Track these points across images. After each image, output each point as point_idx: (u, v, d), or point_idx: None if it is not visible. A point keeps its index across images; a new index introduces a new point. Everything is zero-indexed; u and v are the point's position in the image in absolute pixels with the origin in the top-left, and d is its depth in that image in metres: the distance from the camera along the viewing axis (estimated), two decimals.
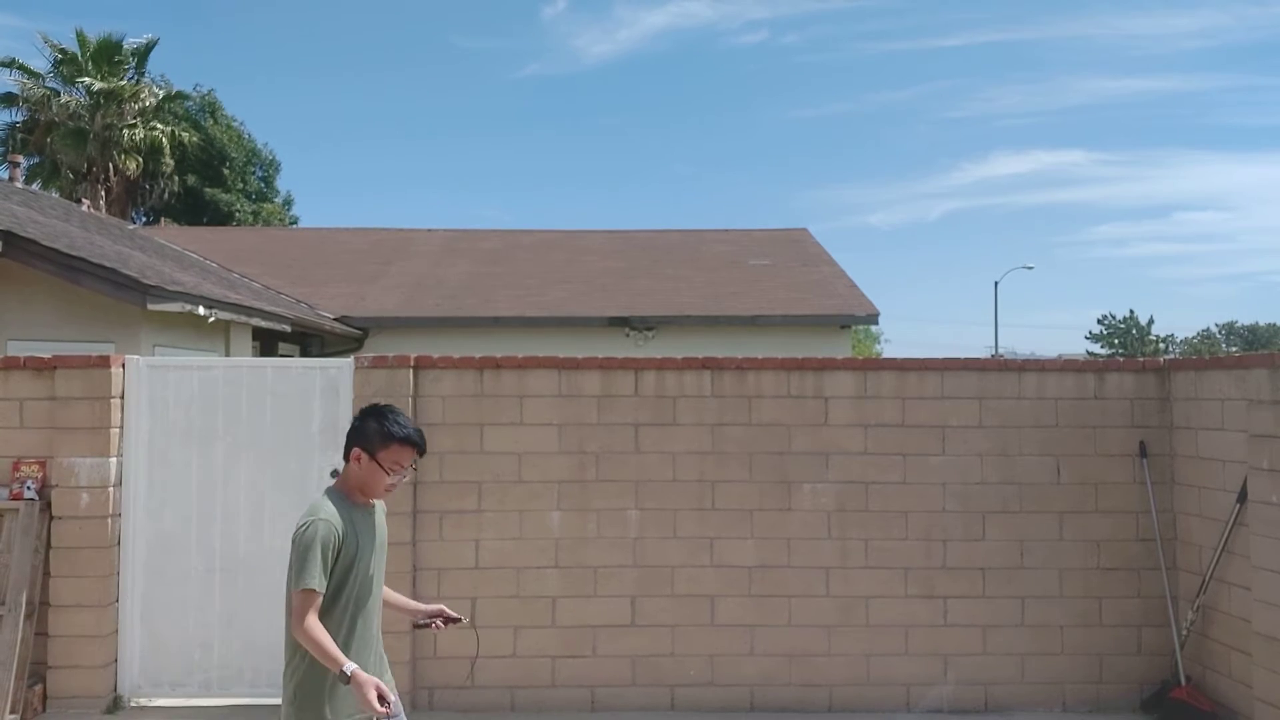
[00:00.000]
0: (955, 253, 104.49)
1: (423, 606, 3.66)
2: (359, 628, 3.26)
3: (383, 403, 3.39)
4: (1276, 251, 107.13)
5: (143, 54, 29.68)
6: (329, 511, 3.19)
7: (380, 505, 3.47)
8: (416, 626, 3.64)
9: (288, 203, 36.50)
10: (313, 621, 3.08)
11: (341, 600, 3.21)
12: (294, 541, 3.16)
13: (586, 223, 51.79)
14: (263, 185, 35.17)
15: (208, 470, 6.07)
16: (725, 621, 6.02)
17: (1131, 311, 65.11)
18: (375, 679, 3.02)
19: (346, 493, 3.31)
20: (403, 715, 3.15)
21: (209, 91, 33.19)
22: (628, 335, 15.47)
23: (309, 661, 3.15)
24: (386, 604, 3.54)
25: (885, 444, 6.11)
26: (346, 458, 3.31)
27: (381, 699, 2.96)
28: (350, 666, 3.01)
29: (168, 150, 28.90)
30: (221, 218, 31.25)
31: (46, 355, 6.02)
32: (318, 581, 3.09)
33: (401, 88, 78.84)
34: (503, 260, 19.36)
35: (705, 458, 6.09)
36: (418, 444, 3.28)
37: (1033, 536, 6.08)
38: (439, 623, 3.57)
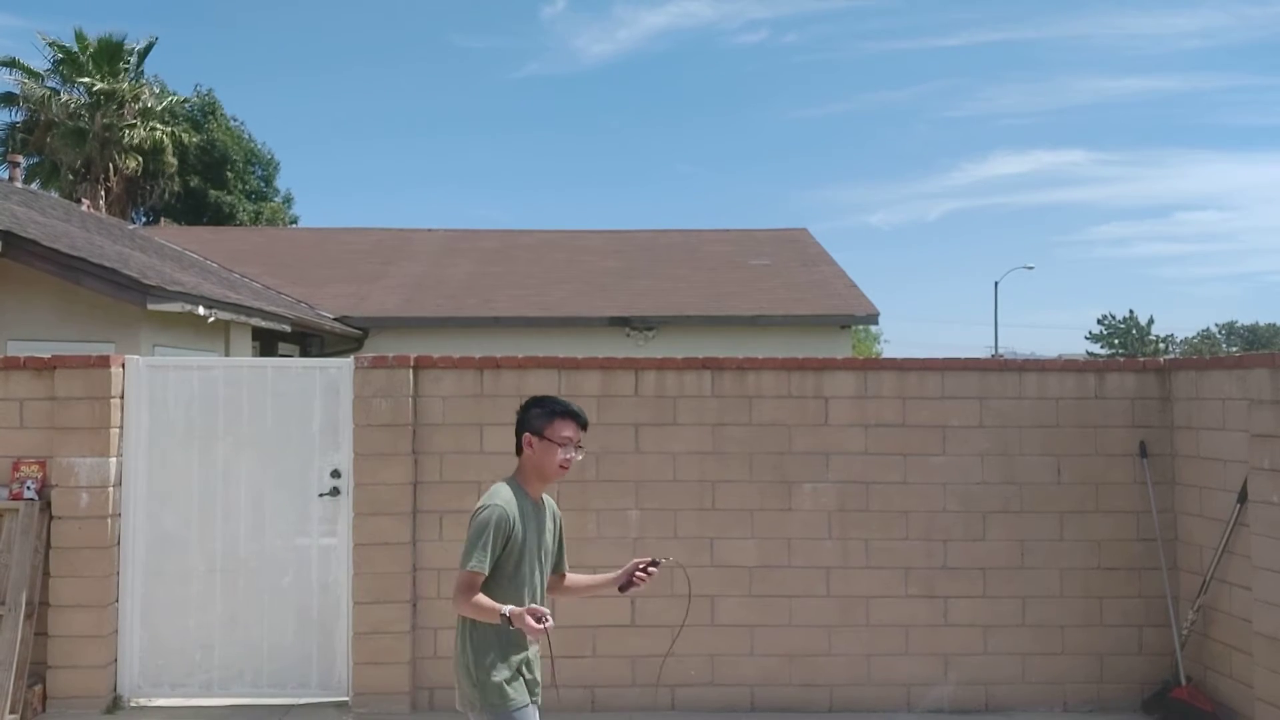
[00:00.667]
0: (955, 253, 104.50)
1: (615, 574, 3.65)
2: (523, 594, 3.39)
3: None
4: (1277, 251, 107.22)
5: (141, 54, 29.70)
6: (505, 498, 3.36)
7: (550, 506, 3.58)
8: (623, 590, 3.59)
9: (288, 201, 36.50)
10: (471, 597, 3.26)
11: (504, 580, 3.34)
12: (470, 522, 3.34)
13: (586, 223, 51.84)
14: (262, 184, 35.19)
15: (208, 470, 6.07)
16: (725, 621, 6.02)
17: (1131, 311, 65.18)
18: (525, 608, 3.15)
19: (522, 483, 3.47)
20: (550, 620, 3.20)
21: (209, 91, 33.23)
22: (628, 335, 15.46)
23: (473, 623, 3.35)
24: (585, 589, 3.71)
25: (885, 444, 6.11)
26: (519, 451, 3.49)
27: (538, 619, 3.09)
28: (506, 609, 3.17)
29: (169, 150, 28.91)
30: (222, 218, 31.25)
31: (46, 355, 6.01)
32: (481, 563, 3.26)
33: (401, 87, 78.84)
34: (503, 260, 19.36)
35: (705, 458, 6.09)
36: (577, 415, 3.47)
37: (1033, 536, 6.08)
38: (640, 574, 3.54)
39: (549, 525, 3.54)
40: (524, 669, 3.45)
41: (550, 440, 3.41)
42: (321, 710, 5.93)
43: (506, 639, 3.35)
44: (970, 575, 6.07)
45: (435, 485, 6.02)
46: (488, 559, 3.26)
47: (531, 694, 3.48)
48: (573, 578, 3.71)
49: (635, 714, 5.94)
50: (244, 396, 6.09)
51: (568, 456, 3.43)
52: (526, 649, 3.44)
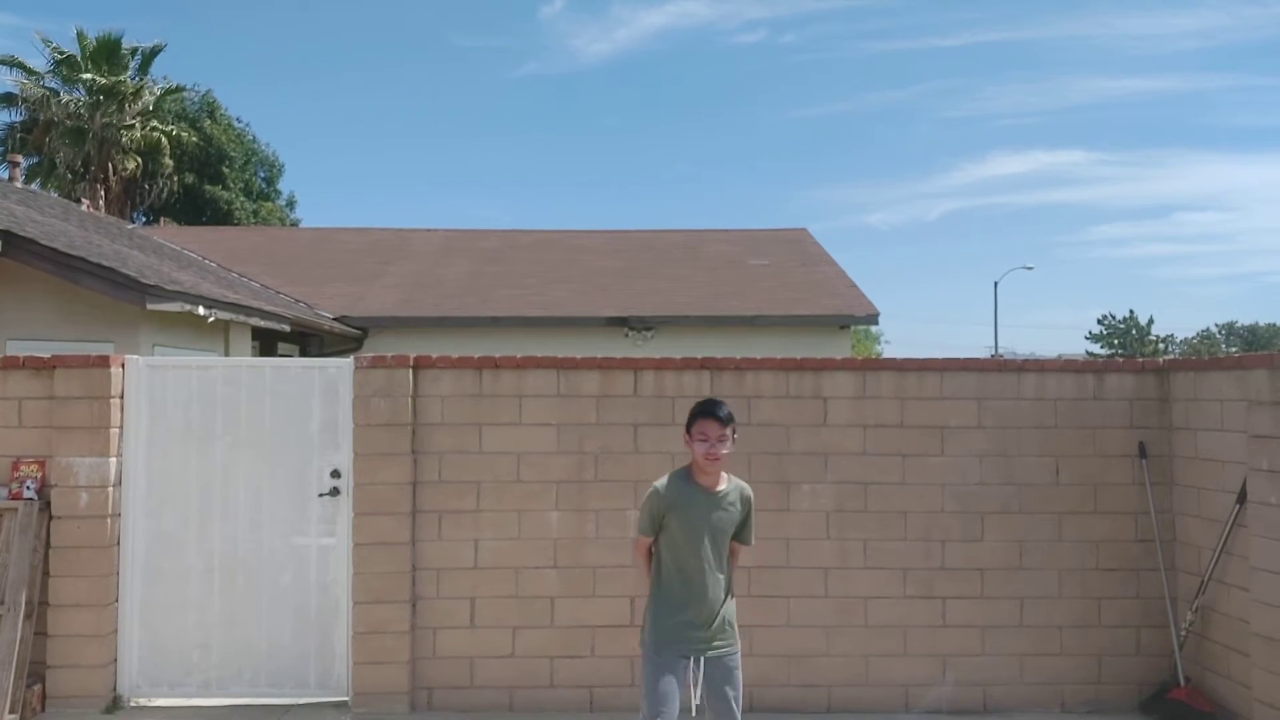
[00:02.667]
0: (955, 253, 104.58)
1: None
2: (678, 580, 4.04)
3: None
4: (1276, 251, 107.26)
5: (148, 57, 29.66)
6: (660, 482, 4.10)
7: (734, 490, 4.14)
8: None
9: (290, 203, 36.50)
10: (639, 559, 4.23)
11: (663, 548, 4.07)
12: None
13: (585, 222, 51.78)
14: (264, 185, 35.18)
15: (207, 470, 6.07)
16: None
17: (1131, 311, 65.24)
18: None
19: (691, 472, 4.11)
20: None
21: (207, 91, 33.21)
22: (627, 335, 15.47)
23: (649, 583, 4.16)
24: None
25: (884, 444, 6.11)
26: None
27: None
28: None
29: (167, 150, 28.89)
30: (221, 217, 31.25)
31: (46, 355, 6.01)
32: (639, 530, 4.15)
33: (400, 87, 78.87)
34: (502, 260, 19.35)
35: None
36: (712, 413, 4.00)
37: (1032, 537, 6.09)
38: None
39: (726, 506, 4.08)
40: (684, 629, 3.99)
41: (693, 437, 4.02)
42: (320, 710, 5.93)
43: (665, 599, 4.04)
44: (968, 576, 6.07)
45: (434, 485, 6.02)
46: (641, 526, 4.12)
47: (689, 650, 3.99)
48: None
49: (634, 714, 5.93)
50: (243, 396, 6.09)
51: (709, 450, 3.98)
52: (685, 612, 4.00)
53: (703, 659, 3.98)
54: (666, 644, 4.00)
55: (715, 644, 4.03)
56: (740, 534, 4.19)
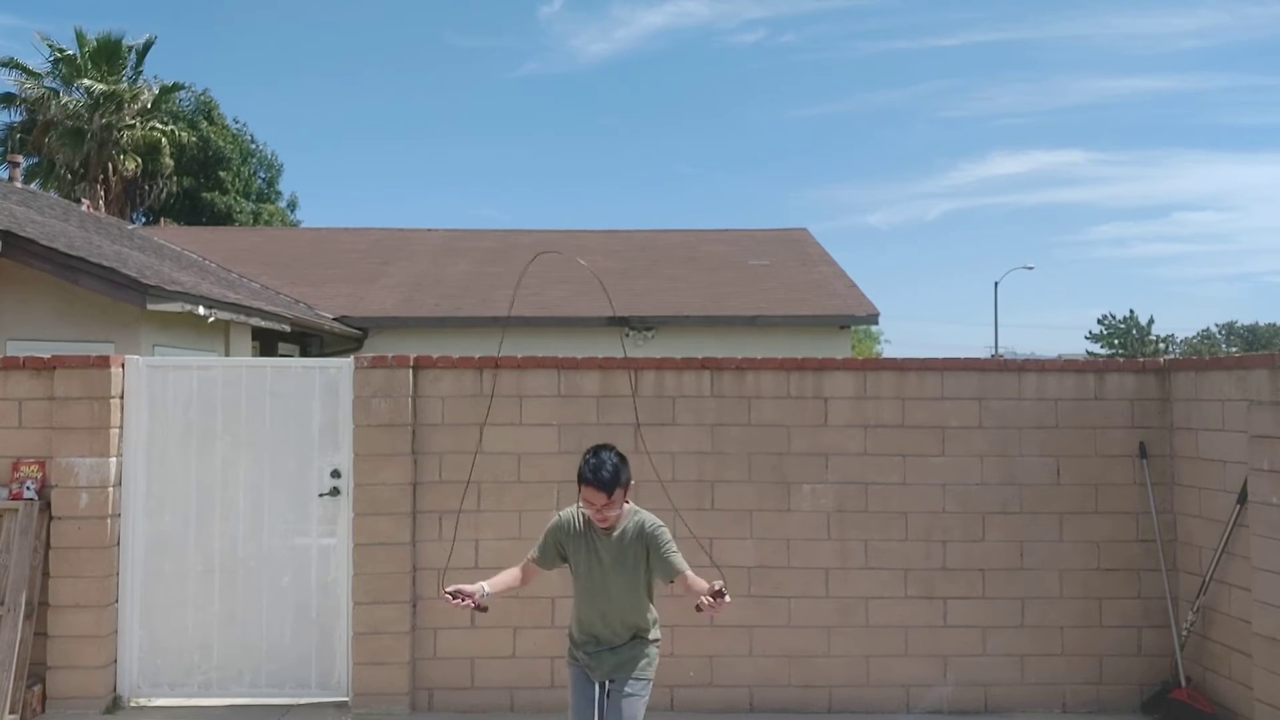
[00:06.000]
0: (955, 253, 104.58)
1: (702, 589, 3.85)
2: (585, 608, 3.94)
3: (604, 444, 3.86)
4: (1276, 251, 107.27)
5: (141, 53, 29.66)
6: (566, 512, 3.97)
7: (633, 530, 3.86)
8: (699, 610, 3.77)
9: (292, 205, 36.48)
10: (513, 568, 4.03)
11: (577, 582, 3.94)
12: None
13: (585, 223, 51.72)
14: (264, 186, 35.16)
15: (207, 470, 6.06)
16: (724, 622, 6.00)
17: (1131, 311, 65.23)
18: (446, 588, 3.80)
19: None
20: (485, 590, 3.83)
21: (204, 91, 33.20)
22: (627, 335, 15.46)
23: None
24: (693, 590, 3.83)
25: (885, 444, 6.11)
26: None
27: (454, 595, 3.75)
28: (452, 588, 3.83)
29: (166, 150, 28.89)
30: (219, 218, 31.24)
31: (46, 355, 6.01)
32: (532, 550, 4.00)
33: (399, 87, 78.86)
34: (501, 260, 19.35)
35: (704, 458, 6.09)
36: (592, 480, 3.74)
37: (1032, 537, 6.08)
38: (707, 600, 3.72)
39: (625, 549, 3.84)
40: (584, 644, 3.93)
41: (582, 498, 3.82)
42: (320, 710, 5.93)
43: (574, 620, 3.99)
44: (969, 576, 6.07)
45: (435, 485, 6.02)
46: (537, 554, 3.96)
47: (586, 660, 3.92)
48: (688, 582, 3.85)
49: None
50: (243, 396, 6.09)
51: (596, 515, 3.80)
52: (581, 627, 3.95)
53: (606, 684, 3.87)
54: (572, 657, 3.99)
55: (616, 673, 3.87)
56: (658, 569, 3.87)
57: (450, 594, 3.74)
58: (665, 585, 3.95)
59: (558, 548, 3.93)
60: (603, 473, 3.73)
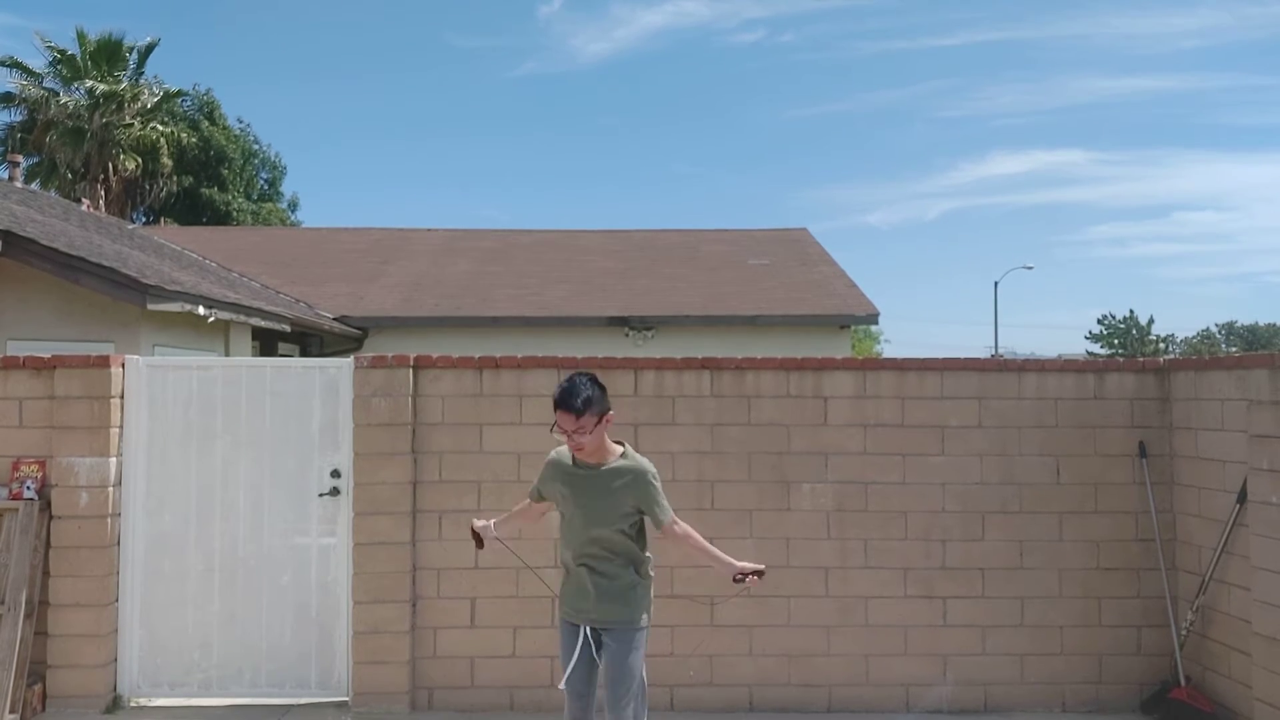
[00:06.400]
0: (955, 252, 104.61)
1: (733, 564, 4.07)
2: (568, 544, 4.00)
3: (582, 371, 3.99)
4: (1276, 251, 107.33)
5: (143, 54, 29.67)
6: (557, 450, 4.06)
7: (628, 468, 3.93)
8: (735, 580, 4.00)
9: (293, 206, 36.48)
10: (521, 505, 4.33)
11: (560, 516, 4.04)
12: None
13: (585, 222, 51.73)
14: (265, 186, 35.18)
15: (207, 470, 6.07)
16: (724, 621, 6.01)
17: (1131, 311, 65.27)
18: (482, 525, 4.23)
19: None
20: (491, 529, 4.22)
21: (207, 91, 33.22)
22: (627, 335, 15.47)
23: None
24: (697, 551, 4.04)
25: (884, 444, 6.11)
26: None
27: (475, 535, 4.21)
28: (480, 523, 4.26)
29: (166, 150, 28.89)
30: (220, 218, 31.25)
31: (46, 355, 6.01)
32: (530, 489, 4.22)
33: (398, 87, 78.88)
34: (501, 260, 19.36)
35: (704, 458, 6.09)
36: (561, 403, 3.82)
37: (1032, 537, 6.08)
38: (751, 578, 4.00)
39: (611, 483, 3.89)
40: (571, 600, 3.99)
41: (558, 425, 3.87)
42: (320, 710, 5.93)
43: (561, 560, 4.07)
44: (969, 575, 6.07)
45: (435, 485, 6.02)
46: (533, 489, 4.15)
47: (572, 613, 3.99)
48: (687, 531, 4.00)
49: None
50: (243, 396, 6.09)
51: (570, 442, 3.87)
52: (568, 589, 4.00)
53: (593, 628, 3.91)
54: (562, 610, 4.05)
55: (603, 617, 3.90)
56: (647, 512, 3.94)
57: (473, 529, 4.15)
58: (661, 538, 4.08)
59: (548, 481, 4.03)
60: (570, 395, 3.78)
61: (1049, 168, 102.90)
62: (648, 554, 4.07)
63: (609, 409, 3.90)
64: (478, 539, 4.14)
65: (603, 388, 3.88)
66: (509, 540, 4.34)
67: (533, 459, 6.04)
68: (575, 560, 3.97)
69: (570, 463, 3.96)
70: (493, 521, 4.07)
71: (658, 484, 3.94)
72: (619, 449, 3.97)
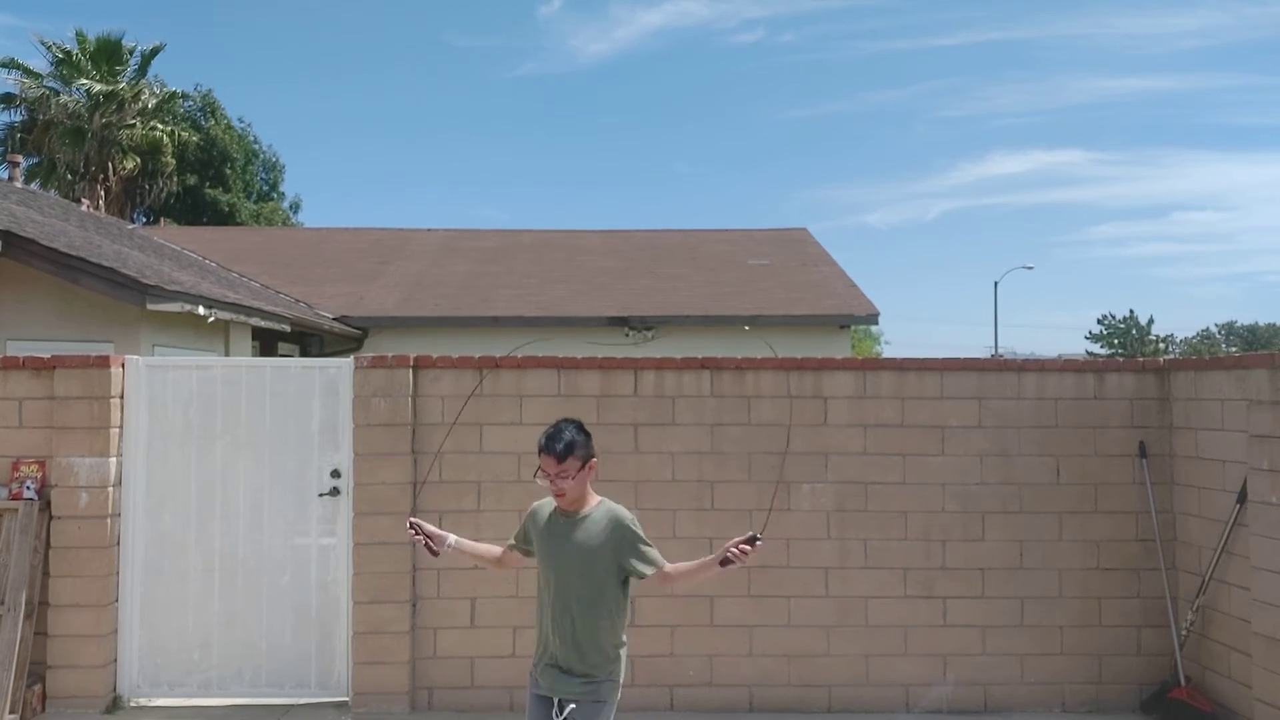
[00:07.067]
0: (954, 252, 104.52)
1: (714, 555, 3.76)
2: (545, 596, 3.73)
3: (568, 418, 3.80)
4: (1276, 251, 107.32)
5: (147, 57, 29.66)
6: (540, 501, 3.86)
7: (603, 516, 3.71)
8: (723, 565, 3.70)
9: (294, 206, 36.49)
10: (497, 546, 3.99)
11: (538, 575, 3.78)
12: None
13: (585, 222, 51.72)
14: (265, 186, 35.18)
15: (207, 470, 6.07)
16: (724, 622, 6.02)
17: (1131, 311, 65.23)
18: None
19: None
20: (451, 544, 3.83)
21: (208, 91, 33.22)
22: (627, 335, 15.47)
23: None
24: (691, 573, 3.79)
25: (884, 444, 6.11)
26: None
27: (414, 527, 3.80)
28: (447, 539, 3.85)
29: (168, 150, 28.89)
30: (221, 218, 31.25)
31: (46, 355, 6.01)
32: (512, 537, 3.93)
33: (398, 87, 78.85)
34: (501, 260, 19.36)
35: (704, 458, 6.09)
36: (545, 446, 3.70)
37: (1032, 537, 6.08)
38: (736, 550, 3.66)
39: (589, 532, 3.68)
40: (545, 667, 3.68)
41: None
42: (320, 710, 5.93)
43: (536, 631, 3.77)
44: (969, 576, 6.07)
45: (435, 485, 6.02)
46: (516, 535, 3.89)
47: (538, 676, 3.69)
48: (675, 568, 3.80)
49: (632, 714, 5.93)
50: (243, 396, 6.09)
51: (551, 486, 3.70)
52: (544, 651, 3.69)
53: (563, 703, 3.56)
54: (533, 677, 3.71)
55: (576, 690, 3.58)
56: (626, 565, 3.66)
57: (412, 524, 3.77)
58: (659, 586, 3.77)
59: (527, 532, 3.84)
60: (554, 440, 3.69)
61: (1049, 168, 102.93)
62: (626, 625, 3.77)
63: (593, 455, 3.74)
64: (428, 544, 3.75)
65: (588, 434, 3.74)
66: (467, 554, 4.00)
67: (532, 459, 6.03)
68: (554, 623, 3.66)
69: (549, 513, 3.78)
70: (454, 538, 3.76)
71: (639, 529, 3.73)
72: (598, 499, 3.80)
